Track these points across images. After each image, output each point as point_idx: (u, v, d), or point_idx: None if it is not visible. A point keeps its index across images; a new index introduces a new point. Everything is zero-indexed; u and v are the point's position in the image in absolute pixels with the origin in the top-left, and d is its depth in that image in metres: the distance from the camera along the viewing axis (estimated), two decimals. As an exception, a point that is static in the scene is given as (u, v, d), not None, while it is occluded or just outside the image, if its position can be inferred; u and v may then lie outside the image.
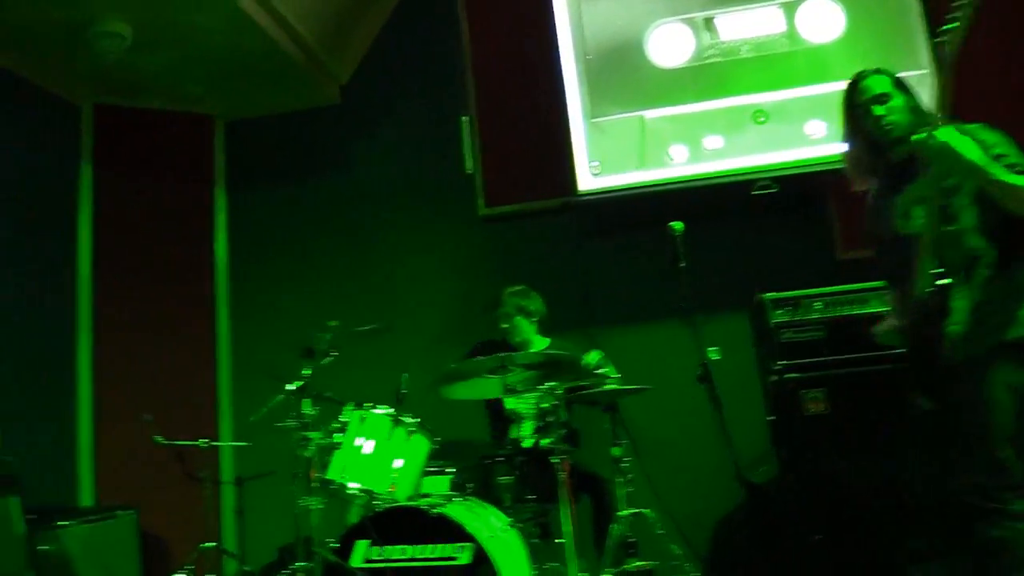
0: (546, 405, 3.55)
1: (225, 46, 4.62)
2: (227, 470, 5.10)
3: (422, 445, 3.56)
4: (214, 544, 4.31)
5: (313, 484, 3.45)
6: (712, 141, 4.39)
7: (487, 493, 3.43)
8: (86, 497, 4.89)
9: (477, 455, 3.78)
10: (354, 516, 3.68)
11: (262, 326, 5.31)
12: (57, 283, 4.91)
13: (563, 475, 3.17)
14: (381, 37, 5.41)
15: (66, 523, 3.95)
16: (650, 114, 4.48)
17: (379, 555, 3.05)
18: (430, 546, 2.99)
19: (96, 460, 4.95)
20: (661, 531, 3.52)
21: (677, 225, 3.61)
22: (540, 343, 4.25)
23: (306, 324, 4.95)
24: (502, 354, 3.39)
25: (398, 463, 3.44)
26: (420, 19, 5.35)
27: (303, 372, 3.66)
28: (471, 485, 3.50)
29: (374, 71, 5.40)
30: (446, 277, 5.15)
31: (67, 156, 5.07)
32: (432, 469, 3.73)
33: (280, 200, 5.45)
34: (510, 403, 4.10)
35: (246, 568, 4.41)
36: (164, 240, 5.26)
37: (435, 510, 3.02)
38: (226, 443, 5.01)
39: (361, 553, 3.09)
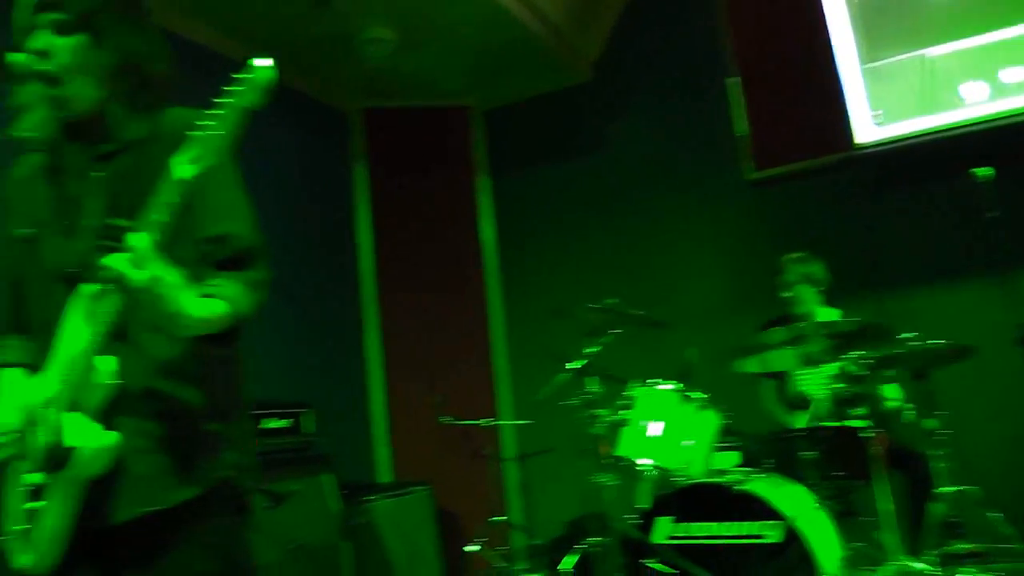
0: (841, 384, 3.31)
1: (480, 38, 4.75)
2: (509, 447, 5.28)
3: (712, 420, 3.48)
4: (503, 518, 4.49)
5: (604, 461, 3.48)
6: (1013, 74, 3.90)
7: (787, 469, 3.28)
8: (384, 474, 5.27)
9: (767, 431, 3.65)
10: (642, 493, 3.68)
11: (532, 307, 5.43)
12: (345, 279, 5.31)
13: (877, 450, 2.95)
14: (628, 8, 5.30)
15: (372, 498, 4.26)
16: (933, 52, 4.06)
17: (682, 532, 3.02)
18: (736, 524, 2.91)
19: (391, 440, 5.31)
20: (988, 512, 3.19)
21: (983, 171, 3.24)
22: (827, 314, 3.96)
23: (576, 303, 5.08)
24: (805, 324, 3.19)
25: (687, 439, 3.38)
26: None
27: (586, 351, 3.70)
28: (769, 461, 3.36)
29: (624, 44, 5.31)
30: (717, 248, 4.98)
31: (342, 159, 5.46)
32: (722, 445, 3.63)
33: (541, 182, 5.53)
34: (802, 384, 3.85)
35: (535, 541, 4.54)
36: (435, 229, 5.53)
37: (739, 487, 2.93)
38: (508, 422, 5.19)
39: (663, 530, 3.07)
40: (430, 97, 5.53)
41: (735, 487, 2.94)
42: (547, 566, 4.51)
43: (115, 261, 1.38)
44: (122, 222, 1.54)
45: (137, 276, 1.36)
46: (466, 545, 4.53)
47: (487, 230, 5.64)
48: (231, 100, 1.33)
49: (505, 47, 4.86)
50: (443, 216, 5.57)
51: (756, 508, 2.88)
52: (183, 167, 1.36)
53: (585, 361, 3.76)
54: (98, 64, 1.64)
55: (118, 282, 1.39)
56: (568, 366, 3.74)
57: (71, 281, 1.60)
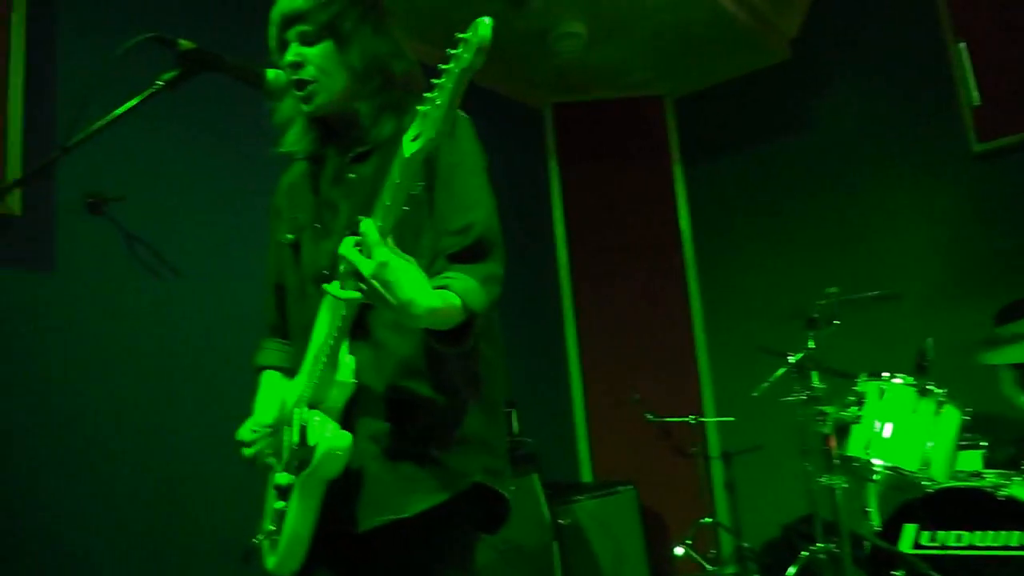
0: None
1: (671, 23, 4.59)
2: (714, 445, 5.09)
3: (952, 417, 3.18)
4: (710, 519, 4.32)
5: (833, 461, 3.25)
6: None
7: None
8: (586, 473, 5.21)
9: (1018, 428, 3.29)
10: (873, 496, 3.42)
11: (733, 297, 5.22)
12: (543, 276, 5.30)
13: None
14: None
15: (578, 498, 4.20)
16: None
17: (931, 541, 2.76)
18: (998, 533, 2.62)
19: (591, 438, 5.24)
20: None
21: None
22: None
23: (782, 292, 4.84)
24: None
25: (927, 439, 3.10)
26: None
27: (808, 344, 3.48)
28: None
29: (825, 18, 4.98)
30: (939, 227, 4.54)
31: (537, 156, 5.45)
32: (964, 443, 3.31)
33: (738, 168, 5.29)
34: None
35: (744, 544, 4.35)
36: (630, 222, 5.42)
37: (1001, 492, 2.63)
38: (712, 419, 5.01)
39: (910, 538, 2.81)
40: (621, 88, 5.43)
41: (999, 492, 2.64)
42: (760, 571, 4.31)
43: (346, 249, 1.37)
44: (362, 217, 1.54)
45: (363, 263, 1.33)
46: (672, 546, 4.41)
47: (684, 218, 5.45)
48: (451, 66, 1.27)
49: (699, 30, 4.68)
50: (639, 208, 5.44)
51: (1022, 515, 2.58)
52: (408, 144, 1.32)
53: (804, 354, 3.55)
54: (345, 67, 1.67)
55: (350, 272, 1.36)
56: (789, 360, 3.54)
57: (323, 282, 1.62)
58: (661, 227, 5.44)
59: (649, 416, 4.47)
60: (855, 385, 3.33)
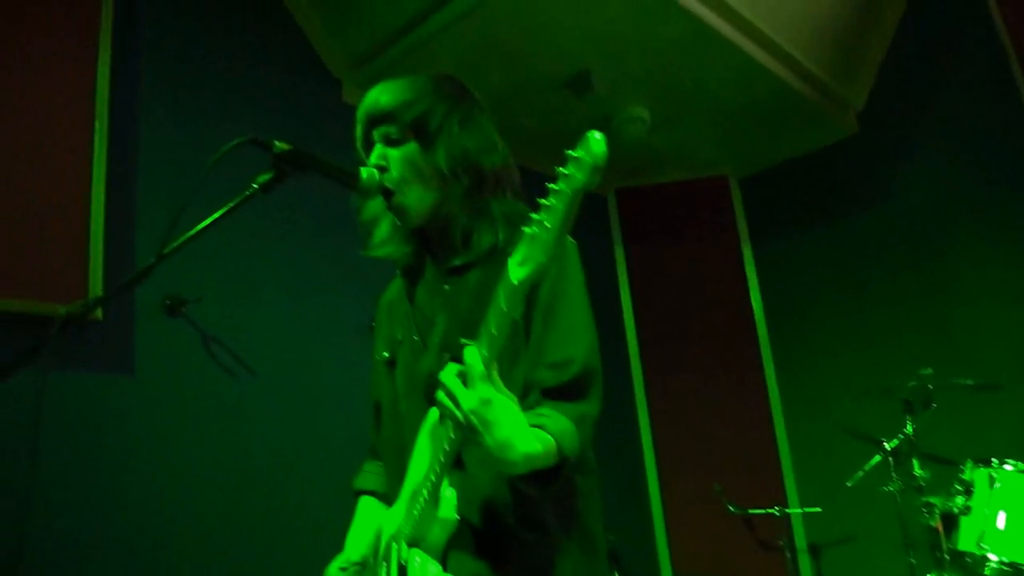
0: None
1: (735, 102, 4.55)
2: (800, 537, 4.83)
3: (1074, 506, 2.93)
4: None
5: (943, 556, 3.02)
6: None
7: None
8: (665, 570, 4.96)
9: None
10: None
11: (813, 380, 5.00)
12: (613, 365, 5.17)
13: None
14: (892, 49, 4.90)
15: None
16: None
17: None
18: None
19: (670, 533, 5.01)
20: None
21: None
22: None
23: (866, 374, 4.62)
24: None
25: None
26: (934, 17, 4.75)
27: (905, 428, 3.29)
28: None
29: (893, 87, 4.89)
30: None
31: (601, 243, 5.39)
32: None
33: (811, 246, 5.13)
34: None
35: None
36: (701, 306, 5.29)
37: None
38: (797, 509, 4.75)
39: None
40: (684, 170, 5.38)
41: None
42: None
43: (447, 378, 1.29)
44: (466, 341, 1.47)
45: (465, 396, 1.25)
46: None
47: (755, 300, 5.30)
48: (561, 186, 1.16)
49: (761, 107, 4.63)
50: (709, 291, 5.32)
51: None
52: (515, 269, 1.22)
53: (901, 439, 3.35)
54: (432, 169, 1.61)
55: (449, 403, 1.28)
56: (887, 445, 3.35)
57: (419, 403, 1.56)
58: (733, 310, 5.29)
59: (731, 508, 4.28)
60: (961, 473, 3.11)
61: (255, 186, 1.44)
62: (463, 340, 1.34)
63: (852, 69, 4.82)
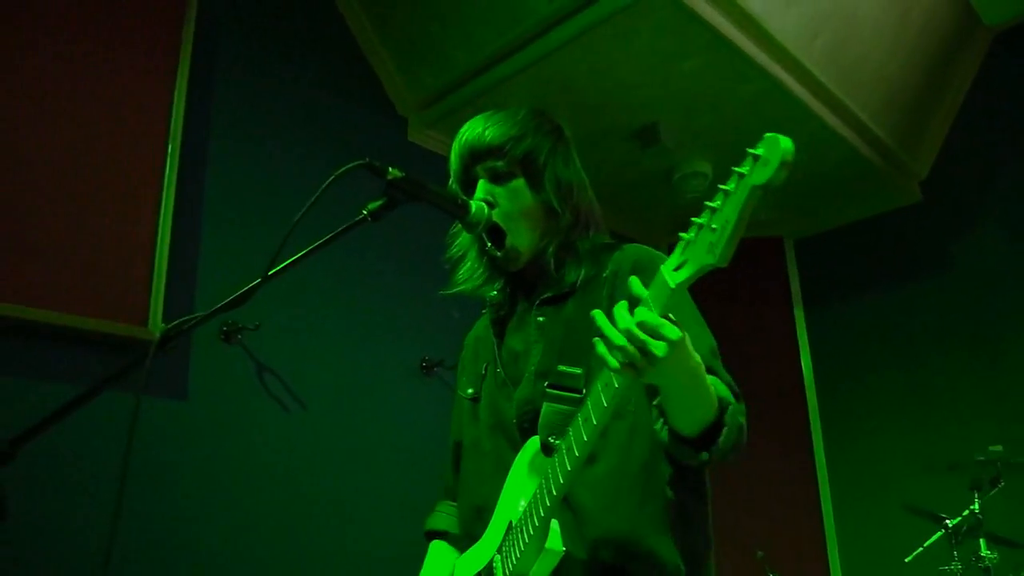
0: None
1: (801, 164, 4.41)
2: (842, 613, 4.67)
3: None
4: None
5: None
6: None
7: None
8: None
9: None
10: None
11: (863, 451, 4.85)
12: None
13: None
14: (960, 118, 4.86)
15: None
16: None
17: None
18: None
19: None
20: None
21: None
22: None
23: (921, 449, 4.49)
24: None
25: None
26: (1001, 89, 4.71)
27: (971, 507, 3.17)
28: None
29: (957, 158, 4.83)
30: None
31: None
32: None
33: (866, 313, 5.03)
34: None
35: None
36: (748, 366, 5.13)
37: None
38: (842, 583, 4.60)
39: None
40: (740, 229, 5.32)
41: None
42: None
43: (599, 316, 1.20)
44: (568, 368, 1.42)
45: (659, 348, 1.15)
46: None
47: (806, 364, 5.19)
48: (731, 185, 1.10)
49: (826, 171, 4.58)
50: (757, 352, 5.22)
51: None
52: (670, 274, 1.15)
53: (964, 518, 3.24)
54: (538, 206, 1.59)
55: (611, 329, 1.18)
56: (948, 523, 3.23)
57: (512, 434, 1.51)
58: (782, 373, 5.18)
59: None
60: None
61: (364, 213, 1.41)
62: (562, 368, 1.35)
63: (918, 137, 4.77)
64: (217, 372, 2.94)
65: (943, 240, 4.81)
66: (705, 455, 1.32)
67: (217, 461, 2.85)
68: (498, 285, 1.70)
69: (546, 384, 1.46)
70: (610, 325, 1.17)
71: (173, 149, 2.93)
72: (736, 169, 1.09)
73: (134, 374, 2.67)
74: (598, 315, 1.19)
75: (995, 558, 3.07)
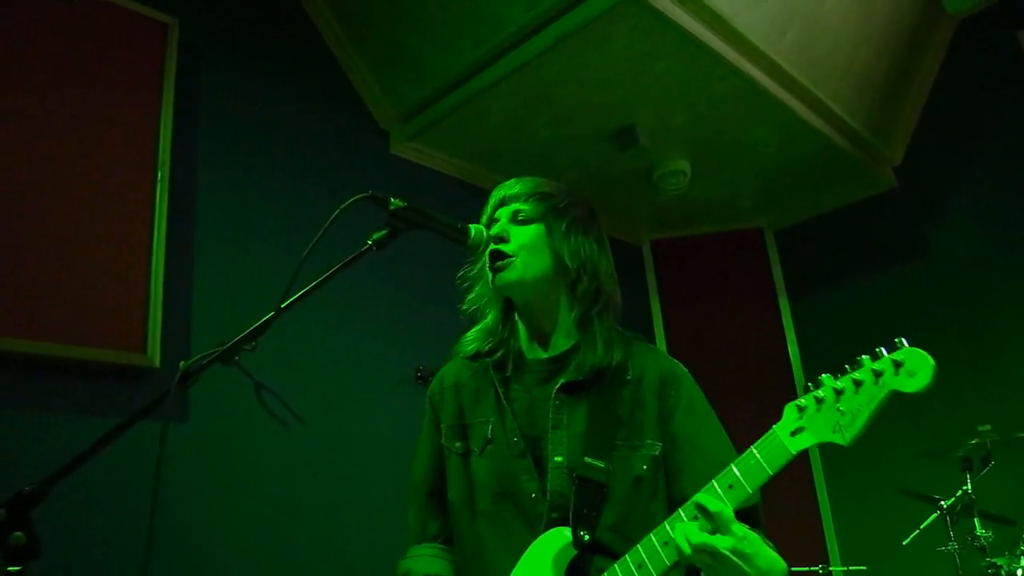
0: None
1: (776, 156, 4.58)
2: (842, 597, 4.72)
3: None
4: None
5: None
6: None
7: None
8: (704, 627, 4.84)
9: None
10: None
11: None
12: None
13: None
14: (930, 103, 4.93)
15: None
16: None
17: None
18: None
19: (708, 589, 4.91)
20: None
21: None
22: None
23: (910, 431, 4.54)
24: None
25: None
26: (970, 72, 4.80)
27: (964, 487, 3.24)
28: None
29: (930, 142, 4.90)
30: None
31: (636, 294, 5.38)
32: None
33: (850, 299, 5.09)
34: None
35: None
36: (736, 358, 5.24)
37: None
38: (840, 567, 4.65)
39: None
40: (720, 222, 5.40)
41: None
42: None
43: (696, 536, 1.29)
44: (594, 461, 1.49)
45: (721, 540, 1.27)
46: None
47: (794, 355, 5.26)
48: (864, 376, 1.26)
49: (801, 162, 4.66)
50: (744, 344, 5.29)
51: None
52: (788, 439, 1.31)
53: (958, 497, 3.30)
54: (551, 258, 1.62)
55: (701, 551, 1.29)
56: (942, 505, 3.29)
57: (527, 510, 1.53)
58: (769, 363, 5.25)
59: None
60: (1026, 532, 3.05)
61: (369, 243, 1.45)
62: (588, 460, 1.45)
63: (890, 124, 4.86)
64: (216, 393, 2.95)
65: (919, 224, 4.88)
66: None
67: (220, 481, 2.87)
68: (498, 319, 1.69)
69: (575, 477, 1.49)
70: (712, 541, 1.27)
71: (163, 176, 2.95)
72: (868, 364, 1.26)
73: (132, 399, 2.71)
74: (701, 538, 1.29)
75: (990, 536, 3.13)
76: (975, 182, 4.68)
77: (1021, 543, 3.02)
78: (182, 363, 1.25)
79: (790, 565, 3.98)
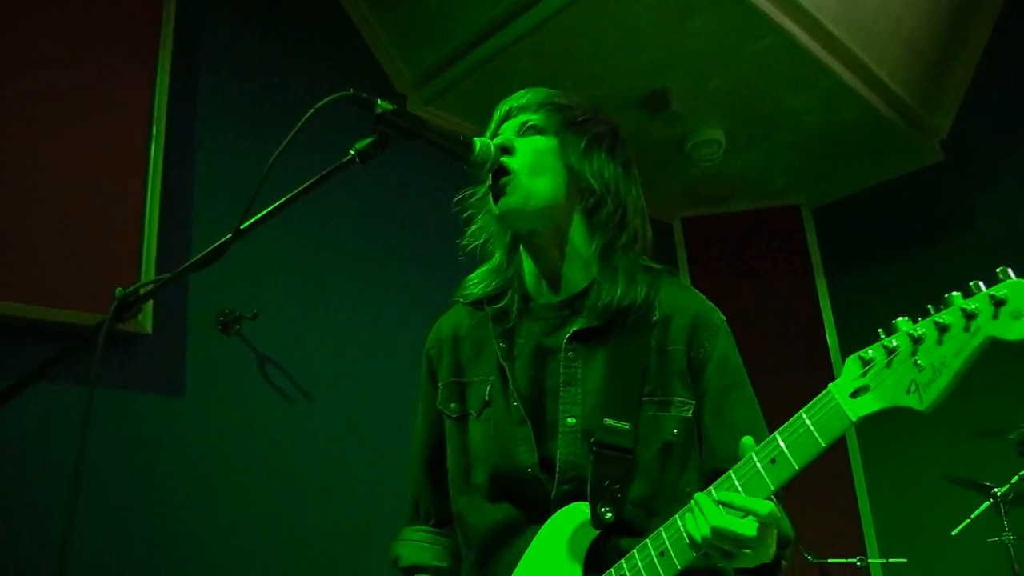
0: None
1: (817, 126, 4.33)
2: (880, 591, 4.49)
3: None
4: None
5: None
6: None
7: None
8: (735, 621, 4.64)
9: None
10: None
11: (893, 421, 4.64)
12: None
13: None
14: (979, 75, 4.65)
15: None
16: None
17: None
18: None
19: (740, 581, 4.70)
20: None
21: None
22: None
23: (953, 415, 4.31)
24: None
25: None
26: (1018, 43, 4.51)
27: (1021, 472, 3.01)
28: None
29: (978, 115, 4.63)
30: None
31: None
32: None
33: (889, 277, 4.83)
34: None
35: None
36: (770, 340, 5.00)
37: None
38: (879, 559, 4.42)
39: None
40: (755, 199, 5.16)
41: None
42: None
43: (720, 519, 1.08)
44: (615, 422, 1.26)
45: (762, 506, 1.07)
46: None
47: (831, 336, 5.01)
48: (952, 319, 0.96)
49: (843, 133, 4.40)
50: (779, 326, 5.04)
51: None
52: (847, 403, 1.03)
53: (1012, 485, 3.07)
54: (565, 174, 1.37)
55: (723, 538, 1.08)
56: (995, 492, 3.06)
57: (531, 487, 1.31)
58: (806, 345, 5.00)
59: (808, 557, 3.98)
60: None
61: (352, 153, 1.21)
62: (608, 422, 1.22)
63: (937, 94, 4.59)
64: (215, 364, 2.79)
65: (966, 200, 4.62)
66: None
67: (217, 457, 2.69)
68: (504, 258, 1.46)
69: (592, 443, 1.27)
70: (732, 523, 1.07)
71: (157, 145, 2.77)
72: (958, 302, 0.96)
73: (124, 367, 2.54)
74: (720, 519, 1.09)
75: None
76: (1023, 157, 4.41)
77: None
78: (117, 290, 1.05)
79: (824, 556, 3.79)
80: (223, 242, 1.12)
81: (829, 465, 4.80)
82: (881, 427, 4.69)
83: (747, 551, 1.07)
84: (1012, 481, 3.06)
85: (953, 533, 3.15)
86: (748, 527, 1.05)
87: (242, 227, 1.14)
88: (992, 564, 3.24)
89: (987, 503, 3.12)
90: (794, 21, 3.54)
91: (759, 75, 3.84)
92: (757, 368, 4.77)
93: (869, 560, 4.09)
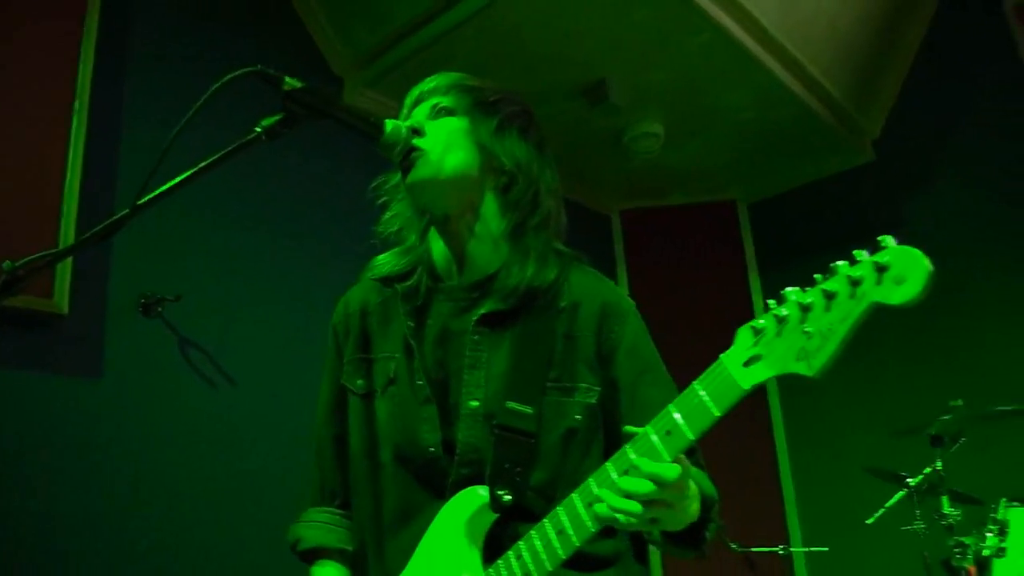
0: None
1: (753, 123, 4.40)
2: (801, 577, 4.61)
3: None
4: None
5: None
6: None
7: None
8: (661, 608, 4.72)
9: None
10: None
11: (819, 412, 4.78)
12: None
13: None
14: (911, 77, 4.76)
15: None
16: None
17: None
18: None
19: (666, 570, 4.77)
20: None
21: None
22: None
23: (876, 407, 4.42)
24: None
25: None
26: (952, 45, 4.63)
27: (935, 464, 3.10)
28: None
29: (909, 116, 4.74)
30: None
31: (603, 265, 5.18)
32: None
33: (818, 273, 4.91)
34: None
35: None
36: (703, 333, 5.04)
37: None
38: (802, 548, 4.53)
39: None
40: (692, 193, 5.22)
41: None
42: None
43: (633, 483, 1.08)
44: (518, 406, 1.25)
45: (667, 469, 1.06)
46: None
47: (763, 331, 5.09)
48: (838, 286, 0.98)
49: (777, 130, 4.48)
50: (712, 319, 5.10)
51: None
52: (739, 371, 1.03)
53: (926, 476, 3.16)
54: (476, 153, 1.36)
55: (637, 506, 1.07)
56: (909, 483, 3.15)
57: (430, 467, 1.30)
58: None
59: (733, 546, 4.04)
60: (994, 512, 2.90)
61: (258, 130, 1.19)
62: (511, 405, 1.21)
63: (870, 95, 4.69)
64: (135, 347, 2.72)
65: (897, 199, 4.73)
66: (695, 553, 1.26)
67: (135, 442, 2.63)
68: (416, 240, 1.44)
69: (494, 425, 1.26)
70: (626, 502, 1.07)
71: (79, 119, 2.69)
72: (844, 270, 0.97)
73: (39, 348, 2.46)
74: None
75: (958, 515, 3.00)
76: (955, 157, 4.53)
77: (989, 522, 2.87)
78: (6, 263, 1.01)
79: (748, 545, 3.85)
80: (119, 217, 1.08)
81: (756, 457, 4.90)
82: (807, 420, 4.83)
83: (666, 509, 1.08)
84: (925, 472, 3.14)
85: (868, 522, 3.23)
86: (649, 486, 1.06)
87: (139, 203, 1.09)
88: (906, 551, 3.33)
89: (901, 493, 3.20)
90: (731, 17, 3.59)
91: (698, 70, 3.88)
92: (689, 360, 4.81)
93: (792, 549, 4.17)
